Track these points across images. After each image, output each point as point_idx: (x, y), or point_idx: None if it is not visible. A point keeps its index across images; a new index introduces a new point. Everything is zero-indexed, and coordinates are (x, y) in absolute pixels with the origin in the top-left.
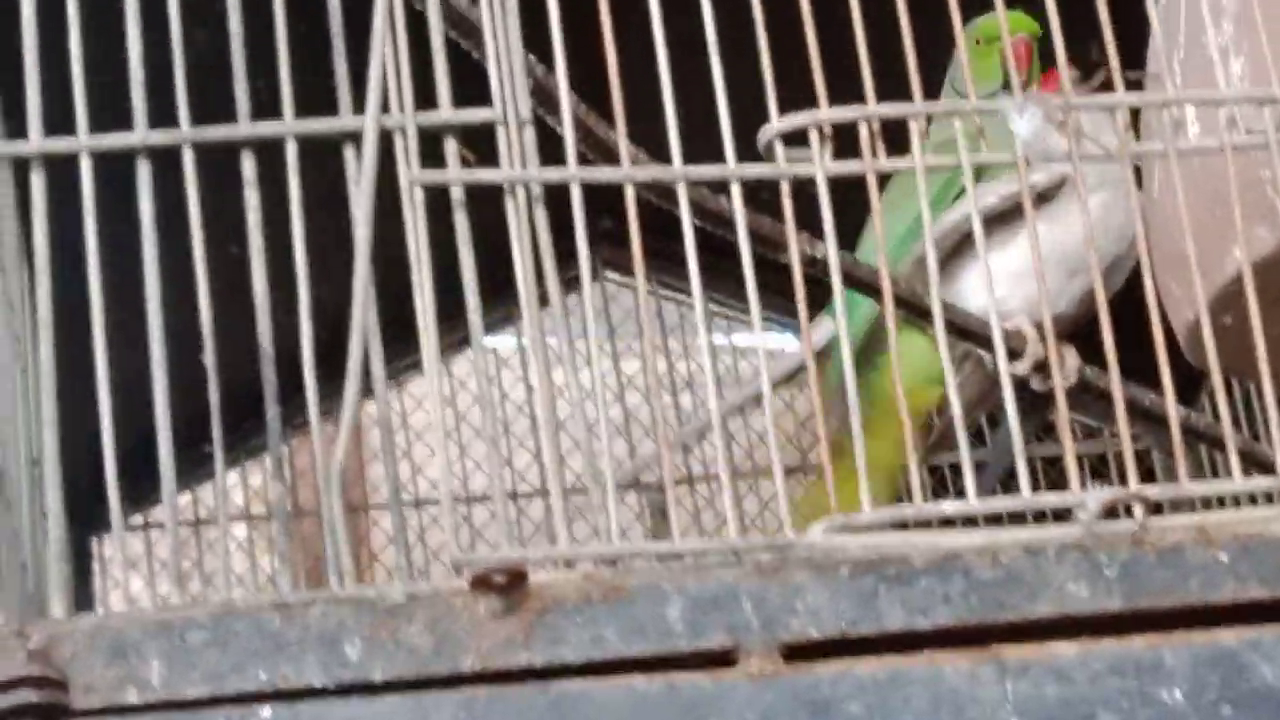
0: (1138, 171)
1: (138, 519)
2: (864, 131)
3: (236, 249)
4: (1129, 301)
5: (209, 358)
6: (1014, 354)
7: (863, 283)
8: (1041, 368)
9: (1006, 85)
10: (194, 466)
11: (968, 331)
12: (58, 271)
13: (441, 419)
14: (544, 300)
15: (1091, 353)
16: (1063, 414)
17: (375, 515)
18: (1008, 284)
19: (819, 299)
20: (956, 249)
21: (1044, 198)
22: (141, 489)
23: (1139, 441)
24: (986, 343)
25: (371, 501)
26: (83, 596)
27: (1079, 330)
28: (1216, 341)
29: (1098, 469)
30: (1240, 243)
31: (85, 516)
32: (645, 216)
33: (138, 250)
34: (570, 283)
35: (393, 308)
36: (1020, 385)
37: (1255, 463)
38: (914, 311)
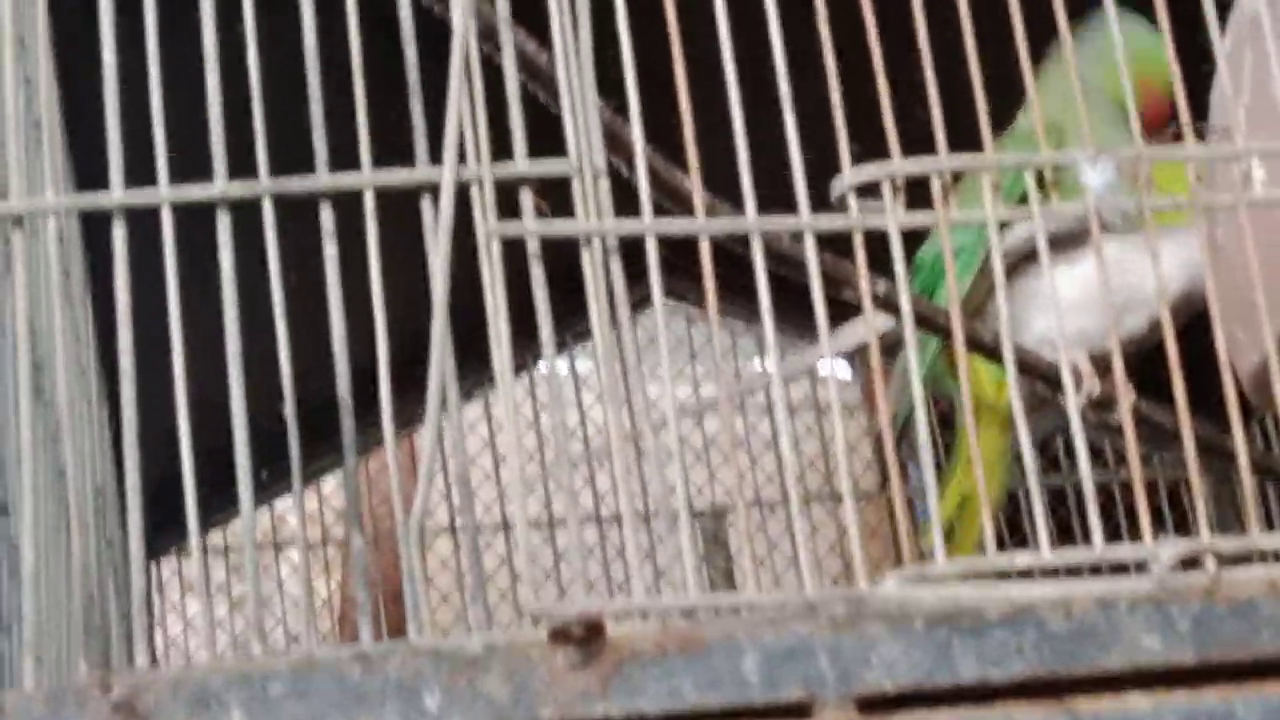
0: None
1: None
2: (935, 184)
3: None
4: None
5: (289, 407)
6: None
7: (926, 320)
8: (1098, 402)
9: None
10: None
11: (1026, 365)
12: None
13: (520, 474)
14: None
15: (1141, 387)
16: (1135, 466)
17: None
18: (1064, 316)
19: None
20: (1011, 276)
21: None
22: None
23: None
24: (1044, 376)
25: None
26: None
27: (1128, 367)
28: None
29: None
30: None
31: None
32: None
33: (201, 292)
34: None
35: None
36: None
37: None
38: (972, 345)
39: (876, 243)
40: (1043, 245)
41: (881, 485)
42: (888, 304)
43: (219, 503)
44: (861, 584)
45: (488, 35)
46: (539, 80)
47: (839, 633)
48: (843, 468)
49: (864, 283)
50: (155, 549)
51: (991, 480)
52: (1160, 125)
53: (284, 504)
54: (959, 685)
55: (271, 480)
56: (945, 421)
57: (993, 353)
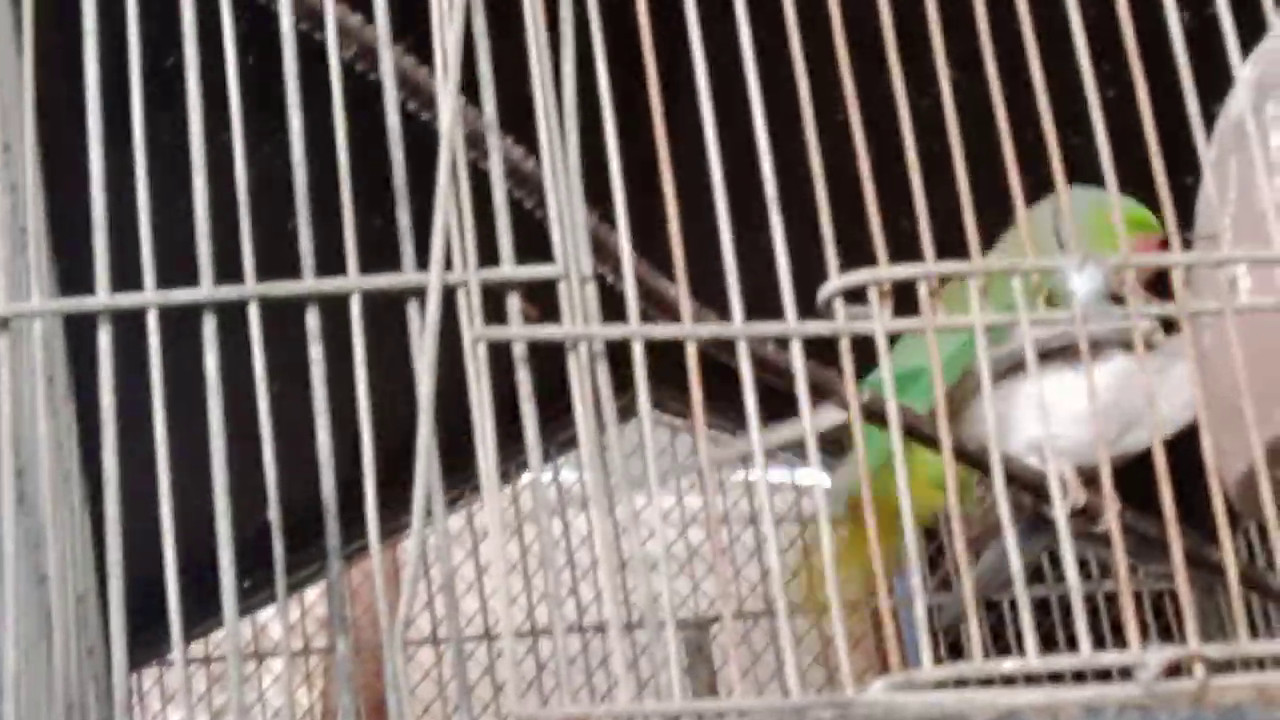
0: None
1: (174, 654)
2: (923, 290)
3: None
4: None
5: (274, 513)
6: (1049, 496)
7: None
8: (1081, 513)
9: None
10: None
11: (1013, 475)
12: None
13: (501, 564)
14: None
15: (1125, 498)
16: (1124, 577)
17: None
18: (1060, 424)
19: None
20: (1006, 380)
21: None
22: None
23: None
24: (1030, 487)
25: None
26: None
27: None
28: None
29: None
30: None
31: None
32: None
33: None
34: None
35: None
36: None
37: None
38: (957, 455)
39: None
40: (1030, 353)
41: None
42: (871, 413)
43: (200, 612)
44: (848, 690)
45: (474, 141)
46: (525, 187)
47: None
48: (829, 571)
49: (851, 388)
50: (136, 659)
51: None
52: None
53: (266, 614)
54: None
55: (254, 590)
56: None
57: (977, 462)
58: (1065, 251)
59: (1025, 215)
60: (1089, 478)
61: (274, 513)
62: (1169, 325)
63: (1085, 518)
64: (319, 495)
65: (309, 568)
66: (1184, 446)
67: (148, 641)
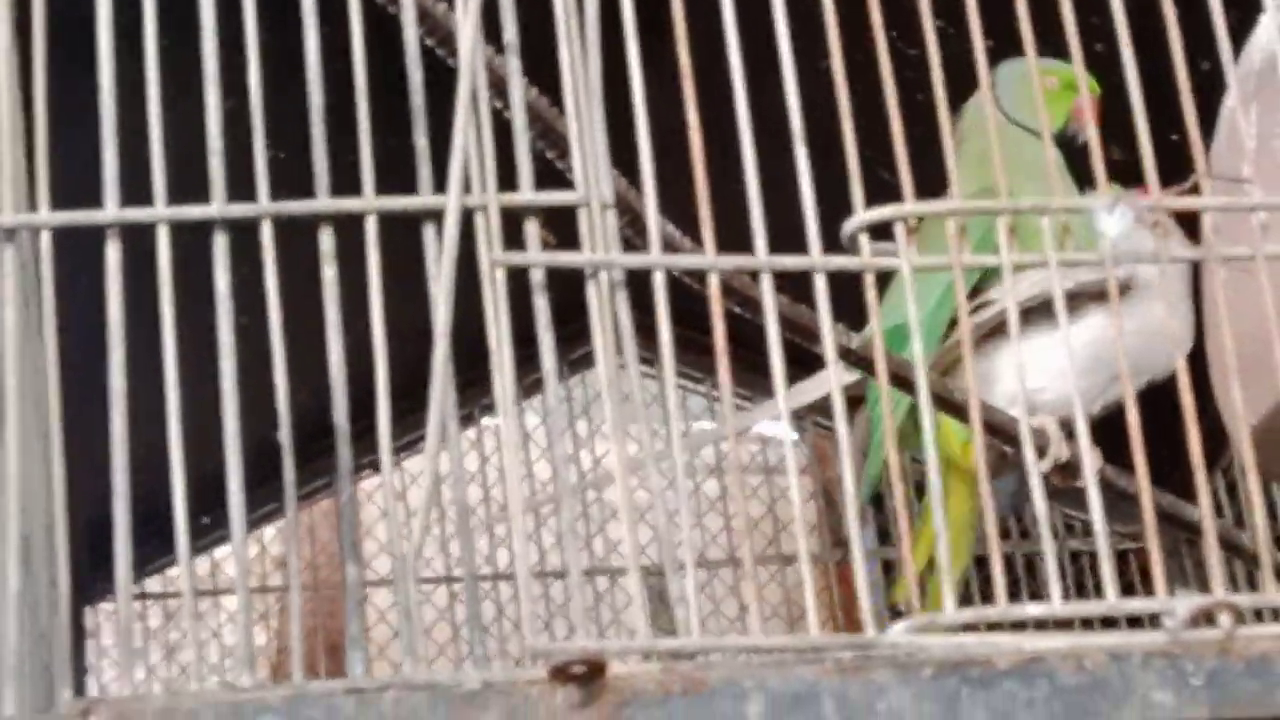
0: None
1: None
2: (950, 227)
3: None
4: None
5: (285, 437)
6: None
7: (897, 377)
8: (1063, 467)
9: (1060, 134)
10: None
11: (994, 427)
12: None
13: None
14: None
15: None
16: (1150, 521)
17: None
18: (1046, 378)
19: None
20: (994, 339)
21: (1103, 296)
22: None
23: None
24: (1011, 439)
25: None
26: (76, 667)
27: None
28: (1277, 449)
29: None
30: None
31: (76, 587)
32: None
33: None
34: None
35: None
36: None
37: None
38: (941, 404)
39: (840, 288)
40: (1059, 295)
41: (836, 545)
42: (860, 360)
43: (156, 548)
44: (869, 631)
45: (494, 79)
46: (546, 137)
47: (845, 678)
48: (798, 521)
49: (875, 321)
50: (91, 594)
51: (959, 544)
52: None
53: (221, 551)
54: None
55: (210, 527)
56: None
57: (962, 412)
58: (1020, 120)
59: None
60: (1072, 432)
61: (285, 438)
62: None
63: (1068, 473)
64: (274, 432)
65: (266, 506)
66: (1166, 404)
67: (103, 577)
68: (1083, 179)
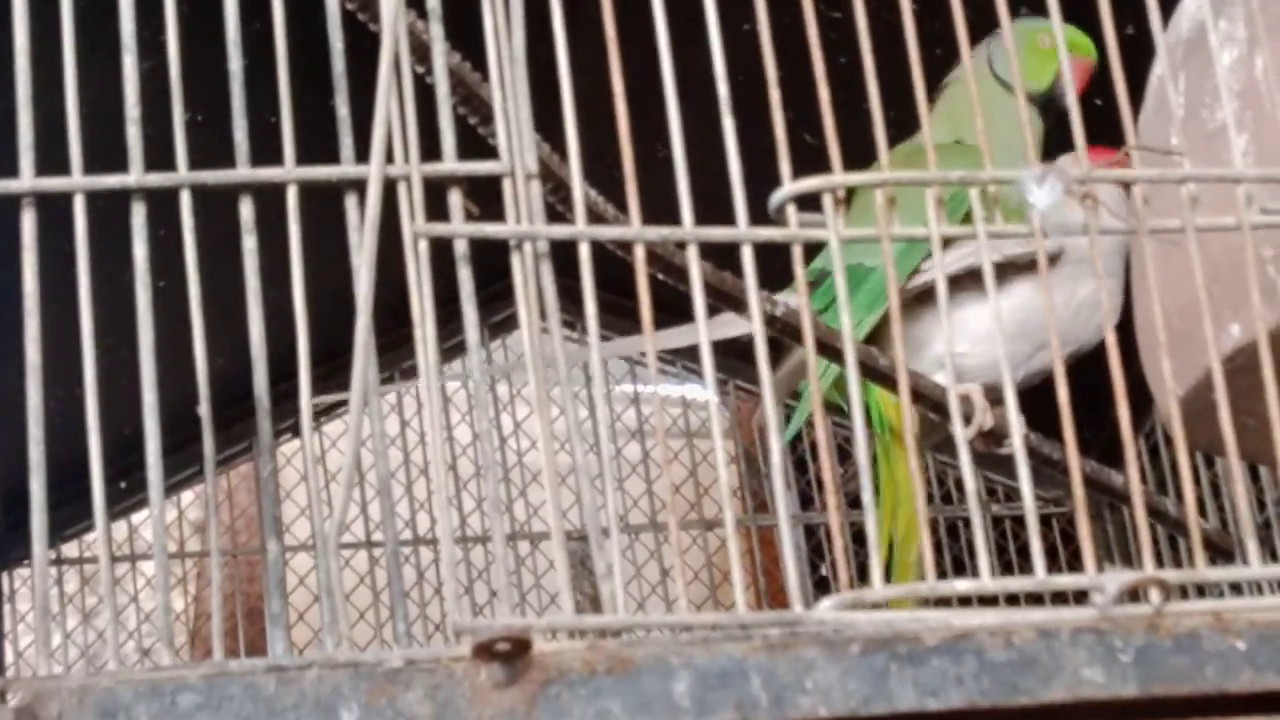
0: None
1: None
2: (879, 198)
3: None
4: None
5: (204, 408)
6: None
7: (823, 344)
8: (986, 434)
9: (1046, 94)
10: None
11: (920, 393)
12: None
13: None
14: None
15: (1031, 420)
16: (1080, 497)
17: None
18: (970, 343)
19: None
20: (922, 305)
21: (1032, 267)
22: (49, 525)
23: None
24: (937, 406)
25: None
26: None
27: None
28: (1205, 421)
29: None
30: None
31: None
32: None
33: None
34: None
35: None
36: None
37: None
38: (869, 373)
39: (767, 257)
40: (988, 262)
41: (759, 509)
42: (786, 327)
43: (73, 513)
44: (796, 608)
45: (417, 44)
46: (467, 102)
47: (773, 656)
48: (724, 488)
49: (804, 296)
50: (7, 559)
51: (915, 519)
52: (1086, 87)
53: (139, 516)
54: (896, 713)
55: (128, 492)
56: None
57: (888, 380)
58: (1005, 82)
59: (969, 60)
60: (996, 398)
61: (204, 409)
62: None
63: (992, 439)
64: (192, 398)
65: (184, 471)
66: (1090, 370)
67: (19, 542)
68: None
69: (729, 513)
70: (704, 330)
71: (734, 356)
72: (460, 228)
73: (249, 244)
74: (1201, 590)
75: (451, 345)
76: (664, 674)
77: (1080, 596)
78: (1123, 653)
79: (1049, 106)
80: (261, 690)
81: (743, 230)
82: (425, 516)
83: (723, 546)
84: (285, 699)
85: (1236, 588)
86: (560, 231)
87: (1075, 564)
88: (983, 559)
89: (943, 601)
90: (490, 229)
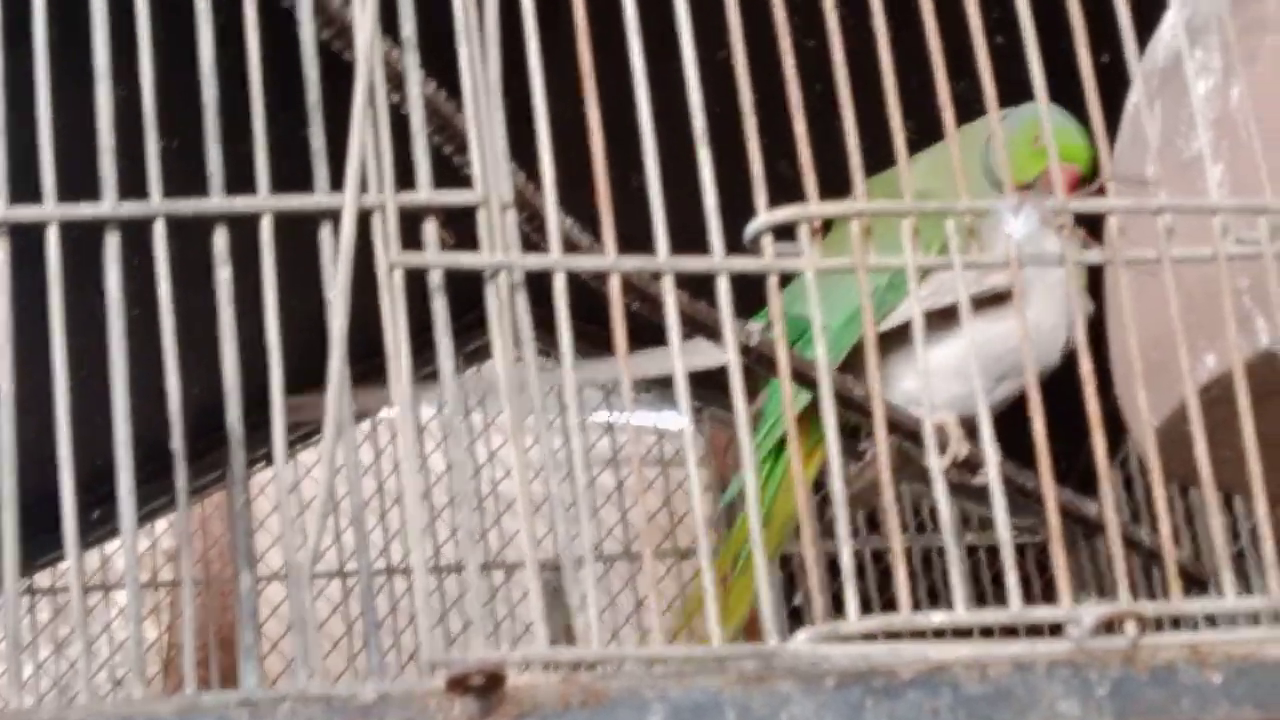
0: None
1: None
2: (854, 229)
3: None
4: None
5: (177, 441)
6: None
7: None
8: (961, 464)
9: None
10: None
11: (896, 424)
12: None
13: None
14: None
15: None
16: (1056, 529)
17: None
18: (937, 380)
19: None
20: (892, 340)
21: (984, 302)
22: (21, 554)
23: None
24: (912, 436)
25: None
26: None
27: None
28: (1180, 451)
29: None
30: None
31: None
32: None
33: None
34: (471, 357)
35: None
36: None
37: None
38: (844, 403)
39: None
40: (963, 292)
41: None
42: (761, 358)
43: (46, 542)
44: (771, 640)
45: (392, 74)
46: (443, 132)
47: (748, 689)
48: (698, 516)
49: (779, 327)
50: None
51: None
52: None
53: (113, 546)
54: None
55: (101, 521)
56: None
57: (862, 409)
58: (990, 178)
59: (954, 134)
60: (971, 429)
61: (177, 442)
62: None
63: (966, 469)
64: (166, 428)
65: (157, 500)
66: (1063, 400)
67: None
68: None
69: (703, 541)
70: (679, 359)
71: (709, 385)
72: (435, 258)
73: (223, 275)
74: (1176, 621)
75: (426, 374)
76: (638, 707)
77: (1056, 628)
78: (1098, 685)
79: None
80: None
81: (718, 260)
82: (399, 545)
83: (697, 575)
84: None
85: (1211, 619)
86: (535, 261)
87: (1049, 592)
88: (958, 591)
89: (918, 633)
90: (465, 259)
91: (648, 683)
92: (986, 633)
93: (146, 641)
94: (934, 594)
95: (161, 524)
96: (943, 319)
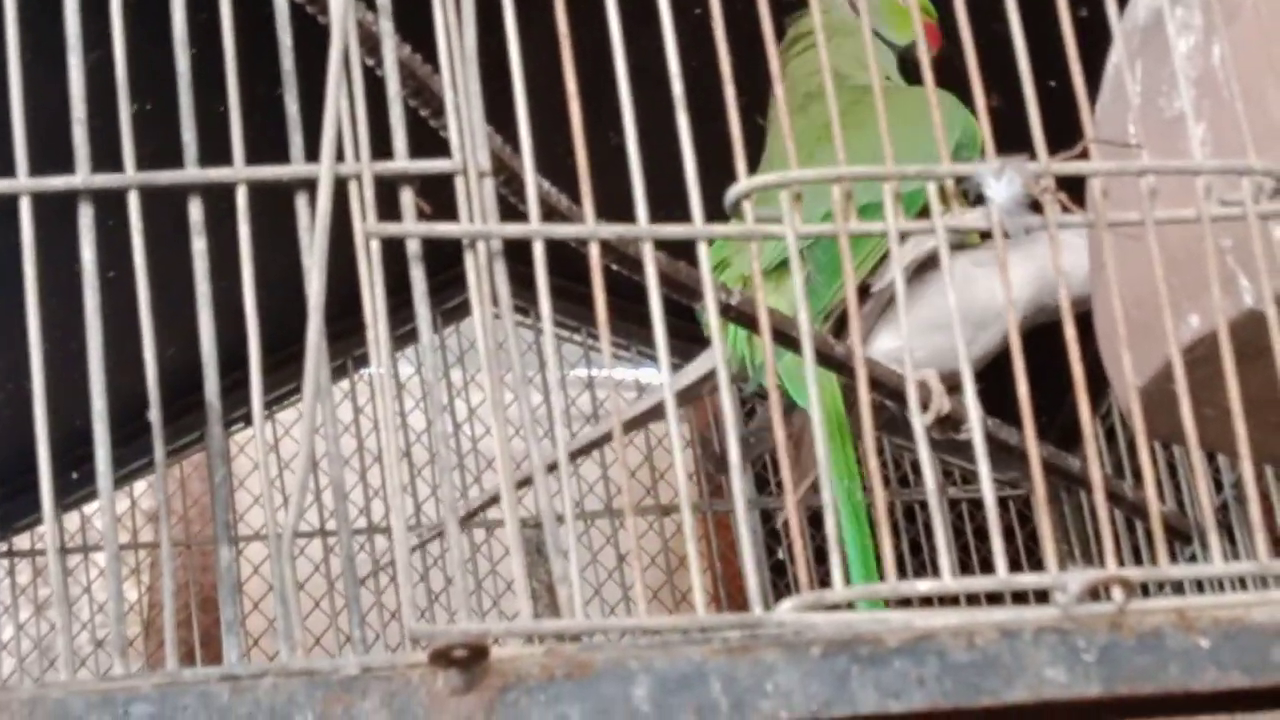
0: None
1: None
2: (836, 194)
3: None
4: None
5: (155, 414)
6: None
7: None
8: (944, 420)
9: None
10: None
11: (877, 382)
12: None
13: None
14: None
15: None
16: (1040, 493)
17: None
18: (917, 335)
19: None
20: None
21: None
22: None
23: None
24: (894, 394)
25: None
26: None
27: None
28: (1164, 411)
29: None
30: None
31: None
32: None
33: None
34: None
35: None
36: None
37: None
38: (824, 360)
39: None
40: (945, 256)
41: (714, 494)
42: (741, 316)
43: (26, 505)
44: (756, 609)
45: (367, 37)
46: (419, 94)
47: (733, 659)
48: (679, 473)
49: (760, 293)
50: None
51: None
52: (935, 45)
53: (92, 507)
54: (857, 716)
55: (80, 483)
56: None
57: (844, 368)
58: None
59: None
60: (952, 385)
61: (155, 414)
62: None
63: (949, 424)
64: (143, 390)
65: (136, 461)
66: (1044, 353)
67: None
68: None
69: (685, 500)
70: (660, 327)
71: (689, 340)
72: (412, 227)
73: (198, 245)
74: (1162, 584)
75: (404, 333)
76: (623, 678)
77: (1042, 594)
78: (1086, 652)
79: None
80: (215, 700)
81: (699, 227)
82: (380, 503)
83: (679, 531)
84: (239, 708)
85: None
86: (514, 230)
87: (1033, 546)
88: (944, 559)
89: (904, 600)
90: (443, 228)
91: (632, 654)
92: (972, 598)
93: (127, 603)
94: (916, 547)
95: (141, 485)
96: (914, 275)
